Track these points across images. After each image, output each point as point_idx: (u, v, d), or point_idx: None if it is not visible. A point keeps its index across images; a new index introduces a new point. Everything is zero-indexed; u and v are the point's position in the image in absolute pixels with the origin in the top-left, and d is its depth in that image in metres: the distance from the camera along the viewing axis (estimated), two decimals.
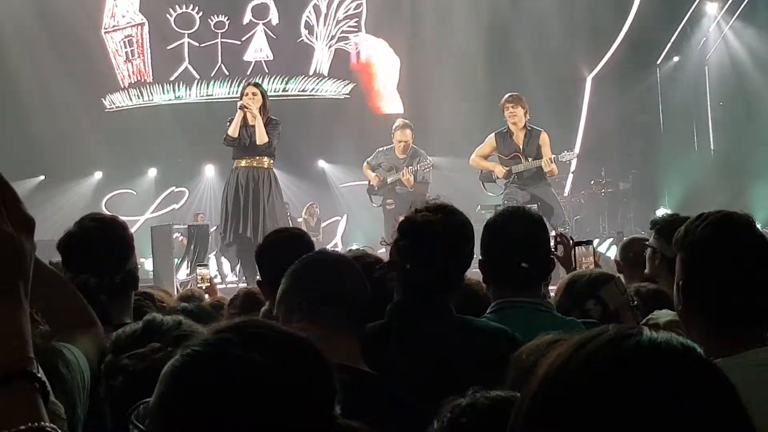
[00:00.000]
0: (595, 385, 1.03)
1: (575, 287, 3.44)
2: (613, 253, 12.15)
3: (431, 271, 2.76)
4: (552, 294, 5.28)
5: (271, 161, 9.70)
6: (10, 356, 1.17)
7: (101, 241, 3.07)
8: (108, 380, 1.70)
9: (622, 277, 3.94)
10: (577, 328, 3.05)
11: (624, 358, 1.04)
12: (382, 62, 18.33)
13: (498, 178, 10.66)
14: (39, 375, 1.16)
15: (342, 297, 2.54)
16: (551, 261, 3.40)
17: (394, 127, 11.49)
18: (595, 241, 13.92)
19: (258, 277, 3.87)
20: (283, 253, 3.57)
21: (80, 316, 2.07)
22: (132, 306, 3.12)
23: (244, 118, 9.49)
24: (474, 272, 3.17)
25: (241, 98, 9.62)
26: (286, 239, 3.83)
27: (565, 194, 14.91)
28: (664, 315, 3.24)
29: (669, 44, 16.78)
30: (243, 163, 9.62)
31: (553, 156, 10.37)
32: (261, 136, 9.38)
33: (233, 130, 9.50)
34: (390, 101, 18.30)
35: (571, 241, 5.09)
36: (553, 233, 10.04)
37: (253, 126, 9.45)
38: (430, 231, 2.77)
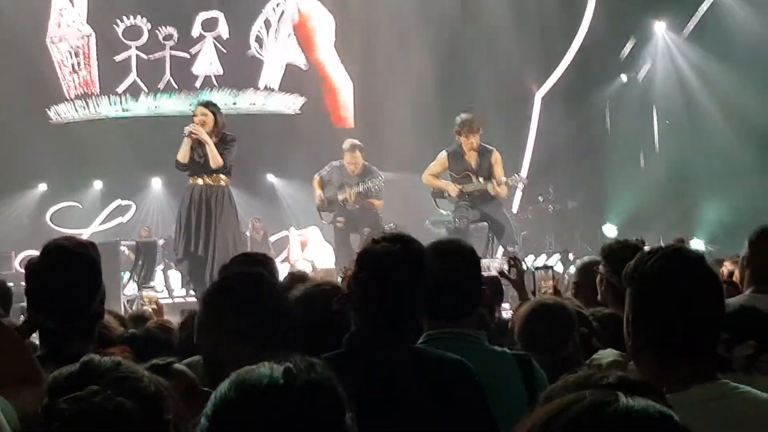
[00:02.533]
0: None
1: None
2: (559, 268, 12.25)
3: (390, 302, 2.75)
4: (504, 314, 5.31)
5: (228, 179, 9.63)
6: None
7: (64, 281, 2.93)
8: (45, 425, 1.65)
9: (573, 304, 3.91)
10: (508, 362, 3.11)
11: (603, 427, 1.04)
12: (317, 17, 18.37)
13: (450, 197, 10.69)
14: None
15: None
16: (483, 291, 3.36)
17: (343, 148, 11.47)
18: (542, 257, 14.05)
19: None
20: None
21: (25, 372, 2.02)
22: (95, 339, 3.02)
23: (198, 141, 9.39)
24: None
25: (192, 119, 9.50)
26: (250, 264, 3.82)
27: (514, 210, 14.99)
28: (607, 355, 3.25)
29: (617, 62, 16.96)
30: (199, 181, 9.53)
31: (504, 179, 10.41)
32: (215, 160, 9.30)
33: (183, 156, 9.41)
34: (327, 55, 18.35)
35: (524, 264, 5.11)
36: (502, 254, 10.14)
37: (206, 146, 9.37)
38: (390, 262, 2.76)
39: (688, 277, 2.25)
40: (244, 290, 2.72)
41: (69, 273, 2.94)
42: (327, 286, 3.36)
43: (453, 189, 10.58)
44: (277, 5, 18.24)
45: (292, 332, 2.67)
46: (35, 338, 3.15)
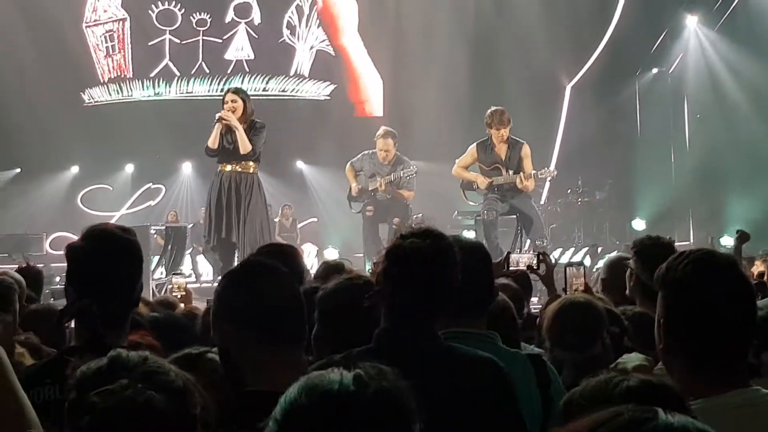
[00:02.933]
0: None
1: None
2: (587, 262, 12.20)
3: (420, 298, 2.73)
4: (533, 309, 5.32)
5: (257, 166, 9.64)
6: None
7: (109, 267, 2.89)
8: (73, 420, 1.67)
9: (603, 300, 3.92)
10: (520, 362, 3.08)
11: None
12: (340, 2, 18.49)
13: (479, 189, 10.66)
14: None
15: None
16: (494, 289, 3.36)
17: (377, 135, 11.46)
18: (570, 251, 14.01)
19: None
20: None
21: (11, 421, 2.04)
22: (128, 328, 3.01)
23: (227, 127, 9.42)
24: None
25: (222, 105, 9.51)
26: (274, 255, 3.83)
27: (542, 203, 14.96)
28: (633, 360, 3.21)
29: (648, 55, 16.86)
30: (228, 168, 9.51)
31: (533, 172, 10.37)
32: (244, 146, 9.31)
33: (213, 141, 9.39)
34: (351, 40, 18.40)
35: (553, 260, 5.11)
36: (530, 247, 10.12)
37: (236, 132, 9.39)
38: (419, 258, 2.73)
39: (719, 282, 2.24)
40: (251, 283, 2.70)
41: (117, 258, 2.91)
42: (359, 280, 3.35)
43: (482, 181, 10.54)
44: None
45: (299, 329, 2.65)
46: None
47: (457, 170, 10.91)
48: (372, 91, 18.41)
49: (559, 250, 13.70)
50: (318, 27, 18.36)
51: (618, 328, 3.62)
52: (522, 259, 5.22)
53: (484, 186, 10.50)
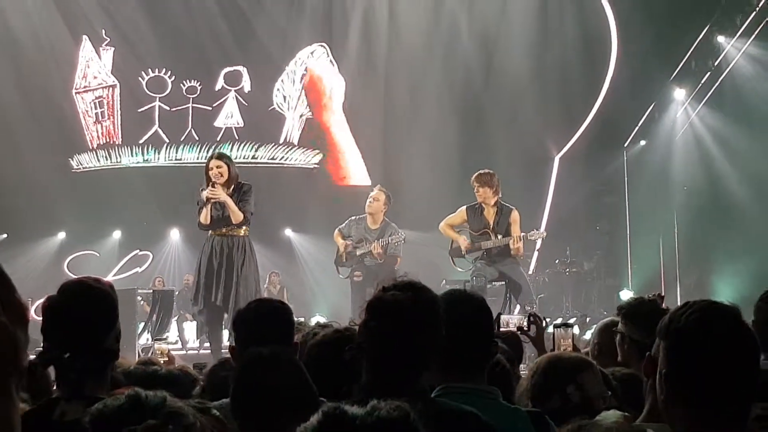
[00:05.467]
0: None
1: (556, 371, 3.40)
2: (576, 331, 12.14)
3: (402, 352, 2.70)
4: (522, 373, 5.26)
5: (247, 228, 9.60)
6: None
7: (80, 316, 2.94)
8: None
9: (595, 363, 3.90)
10: (522, 419, 3.03)
11: None
12: (327, 79, 18.54)
13: (462, 251, 10.69)
14: None
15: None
16: (494, 346, 3.31)
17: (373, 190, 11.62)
18: (558, 320, 13.96)
19: (231, 342, 3.86)
20: (261, 324, 3.57)
21: None
22: (109, 379, 3.02)
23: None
24: None
25: (206, 172, 9.46)
26: (267, 311, 3.81)
27: (530, 272, 14.94)
28: (610, 417, 3.19)
29: (637, 128, 16.98)
30: (218, 232, 9.53)
31: (522, 234, 10.42)
32: (236, 217, 9.32)
33: (204, 218, 9.41)
34: (334, 117, 18.49)
35: (544, 322, 5.08)
36: (519, 313, 10.10)
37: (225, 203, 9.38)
38: (399, 311, 2.71)
39: (723, 331, 2.22)
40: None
41: (84, 306, 2.97)
42: (347, 333, 3.32)
43: (464, 243, 10.61)
44: (301, 62, 18.42)
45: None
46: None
47: (444, 227, 10.97)
48: (353, 164, 18.46)
49: (548, 320, 13.64)
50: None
51: (607, 388, 3.59)
52: (512, 320, 5.22)
53: (465, 247, 10.55)
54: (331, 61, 18.37)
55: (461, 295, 3.31)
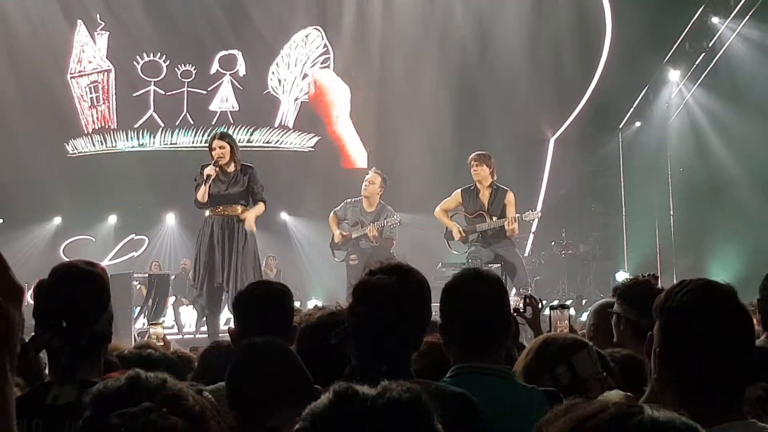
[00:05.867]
0: None
1: (548, 351, 3.39)
2: (572, 313, 12.15)
3: (388, 335, 2.69)
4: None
5: (246, 209, 9.56)
6: None
7: (71, 298, 2.92)
8: None
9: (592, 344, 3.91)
10: (537, 398, 3.01)
11: None
12: (334, 89, 18.50)
13: (456, 239, 10.70)
14: None
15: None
16: (511, 324, 3.33)
17: (368, 172, 11.59)
18: (555, 302, 13.97)
19: (231, 325, 3.87)
20: (261, 306, 3.58)
21: None
22: (102, 363, 2.99)
23: (220, 169, 9.39)
24: None
25: (210, 151, 9.47)
26: (267, 293, 3.81)
27: (526, 254, 14.95)
28: (613, 396, 3.19)
29: (631, 109, 16.98)
30: (216, 212, 9.48)
31: (517, 215, 10.42)
32: (259, 211, 9.47)
33: (202, 196, 9.34)
34: (345, 128, 18.45)
35: (540, 304, 5.08)
36: (515, 295, 10.11)
37: (229, 173, 9.38)
38: (385, 295, 2.71)
39: (718, 311, 2.22)
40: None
41: (74, 289, 2.94)
42: (341, 316, 3.34)
43: (457, 233, 10.63)
44: (295, 45, 18.37)
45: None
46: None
47: (439, 212, 10.96)
48: (353, 148, 18.46)
49: (544, 302, 13.66)
50: (303, 79, 18.41)
51: (603, 369, 3.59)
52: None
53: (458, 237, 10.57)
54: (326, 46, 18.33)
55: (477, 273, 3.30)
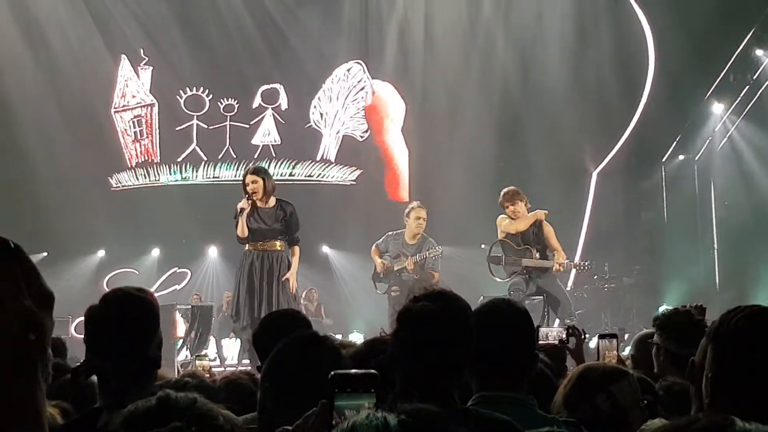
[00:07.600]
0: None
1: (588, 380, 3.35)
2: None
3: (432, 361, 2.68)
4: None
5: (284, 244, 9.72)
6: None
7: (123, 324, 2.94)
8: None
9: (634, 373, 3.86)
10: (558, 427, 2.99)
11: None
12: (390, 102, 18.56)
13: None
14: None
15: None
16: (537, 356, 3.32)
17: (408, 208, 11.57)
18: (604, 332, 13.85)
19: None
20: (274, 335, 3.58)
21: None
22: (151, 389, 3.02)
23: (253, 206, 9.54)
24: None
25: (244, 188, 9.64)
26: (275, 320, 3.82)
27: (568, 288, 14.84)
28: (656, 424, 3.17)
29: (675, 142, 16.88)
30: (256, 246, 9.66)
31: (567, 261, 10.40)
32: (297, 264, 9.77)
33: (241, 231, 9.57)
34: (395, 140, 18.51)
35: (583, 334, 5.04)
36: (558, 325, 10.04)
37: (264, 209, 9.51)
38: (429, 321, 2.70)
39: None
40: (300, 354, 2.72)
41: (126, 314, 2.97)
42: (377, 344, 3.32)
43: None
44: (337, 79, 18.49)
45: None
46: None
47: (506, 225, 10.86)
48: (405, 181, 18.50)
49: (587, 335, 13.55)
50: (345, 112, 18.51)
51: (652, 396, 3.56)
52: (551, 333, 5.18)
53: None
54: (367, 77, 18.43)
55: (503, 303, 3.30)
